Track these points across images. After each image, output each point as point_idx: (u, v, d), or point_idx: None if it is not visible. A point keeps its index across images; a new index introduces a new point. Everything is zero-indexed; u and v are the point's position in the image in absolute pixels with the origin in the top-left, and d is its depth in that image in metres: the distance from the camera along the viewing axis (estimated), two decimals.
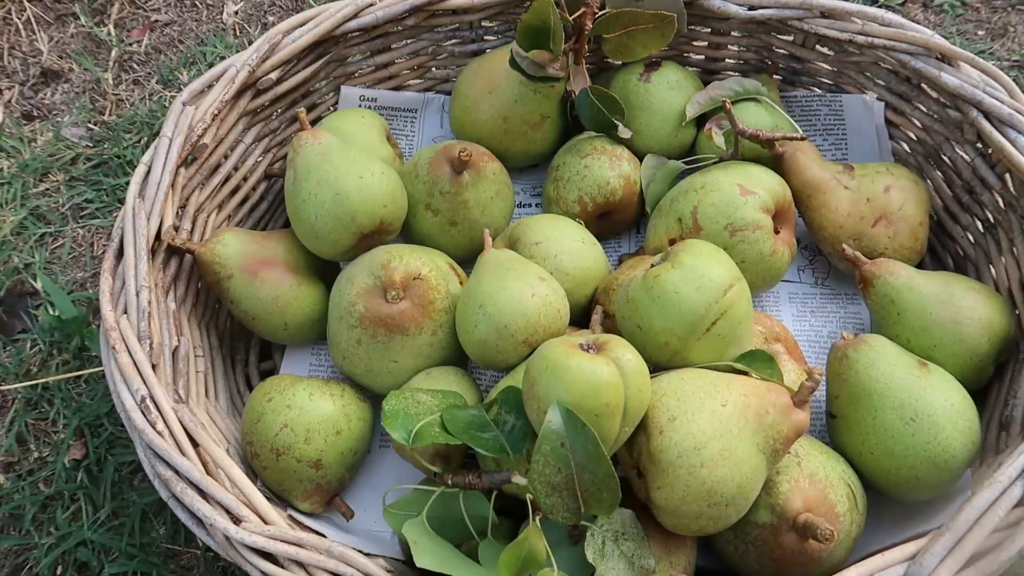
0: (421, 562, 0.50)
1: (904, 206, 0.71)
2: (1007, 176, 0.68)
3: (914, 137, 0.77)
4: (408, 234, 0.75)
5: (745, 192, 0.67)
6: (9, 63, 1.07)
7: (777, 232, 0.69)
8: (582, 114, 0.76)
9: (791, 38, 0.78)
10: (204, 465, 0.55)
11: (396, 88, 0.86)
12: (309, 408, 0.63)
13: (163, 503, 0.75)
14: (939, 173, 0.76)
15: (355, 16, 0.76)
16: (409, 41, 0.82)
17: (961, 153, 0.72)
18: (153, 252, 0.64)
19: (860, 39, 0.72)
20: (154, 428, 0.54)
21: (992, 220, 0.71)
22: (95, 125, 1.01)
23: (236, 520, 0.52)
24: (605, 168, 0.75)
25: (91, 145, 0.99)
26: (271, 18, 1.11)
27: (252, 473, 0.65)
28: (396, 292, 0.64)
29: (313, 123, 0.81)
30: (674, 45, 0.82)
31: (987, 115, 0.66)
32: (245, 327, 0.75)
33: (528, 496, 0.51)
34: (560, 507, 0.51)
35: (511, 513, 0.60)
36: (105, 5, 1.12)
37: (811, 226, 0.74)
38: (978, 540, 0.46)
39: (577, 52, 0.74)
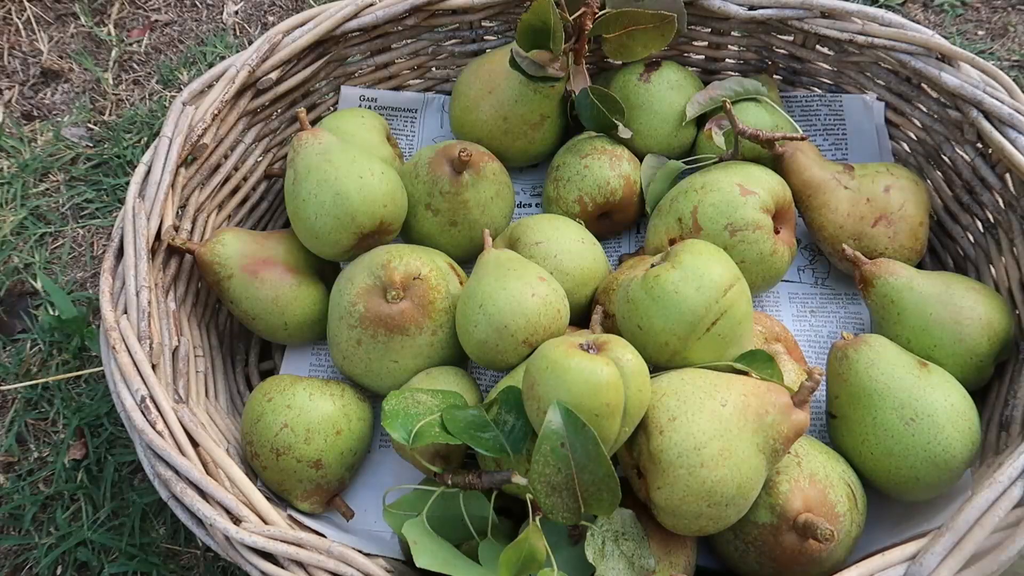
0: (421, 562, 0.50)
1: (904, 206, 0.71)
2: (1007, 176, 0.68)
3: (914, 137, 0.77)
4: (408, 234, 0.75)
5: (745, 192, 0.67)
6: (9, 63, 1.07)
7: (777, 232, 0.69)
8: (582, 114, 0.76)
9: (791, 38, 0.78)
10: (204, 465, 0.55)
11: (396, 88, 0.86)
12: (309, 408, 0.63)
13: (163, 503, 0.75)
14: (939, 173, 0.76)
15: (355, 16, 0.76)
16: (409, 41, 0.82)
17: (961, 153, 0.72)
18: (153, 252, 0.64)
19: (860, 39, 0.72)
20: (154, 428, 0.54)
21: (992, 220, 0.71)
22: (95, 125, 1.01)
23: (236, 520, 0.52)
24: (605, 168, 0.75)
25: (91, 145, 0.99)
26: (271, 18, 1.11)
27: (252, 473, 0.65)
28: (396, 292, 0.64)
29: (313, 123, 0.81)
30: (674, 45, 0.82)
31: (987, 115, 0.66)
32: (245, 327, 0.75)
33: (528, 496, 0.51)
34: (560, 507, 0.51)
35: (511, 513, 0.60)
36: (105, 5, 1.12)
37: (811, 226, 0.74)
38: (978, 540, 0.46)
39: (577, 52, 0.74)
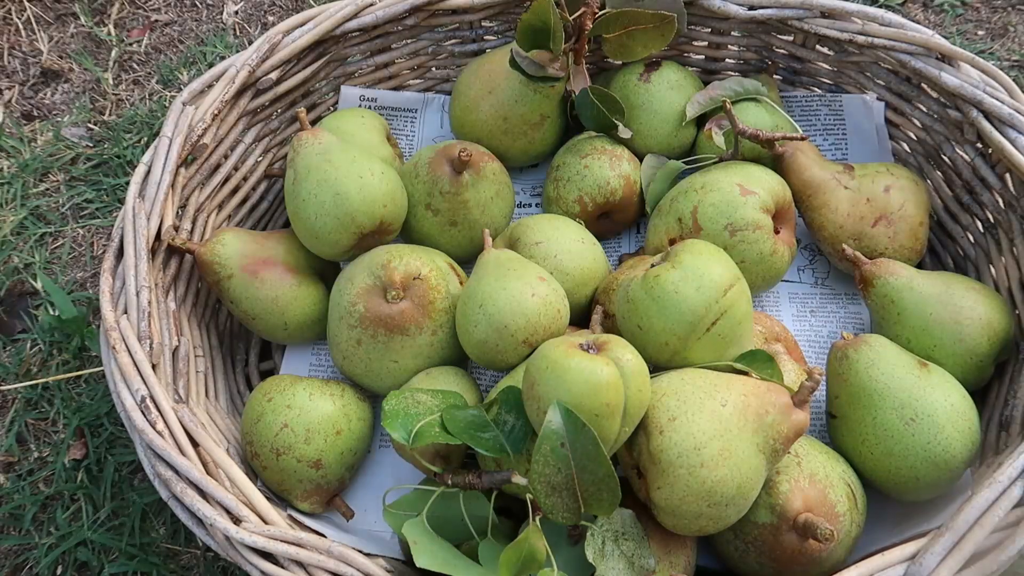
0: (421, 562, 0.50)
1: (904, 206, 0.71)
2: (1007, 176, 0.68)
3: (914, 137, 0.77)
4: (408, 234, 0.75)
5: (745, 192, 0.67)
6: (9, 63, 1.07)
7: (777, 232, 0.69)
8: (582, 114, 0.76)
9: (791, 38, 0.78)
10: (204, 465, 0.55)
11: (396, 88, 0.86)
12: (309, 408, 0.63)
13: (163, 503, 0.75)
14: (939, 173, 0.76)
15: (355, 16, 0.76)
16: (409, 41, 0.82)
17: (961, 153, 0.72)
18: (153, 252, 0.64)
19: (860, 39, 0.72)
20: (154, 428, 0.54)
21: (992, 220, 0.71)
22: (95, 125, 1.01)
23: (236, 520, 0.52)
24: (605, 168, 0.75)
25: (91, 145, 0.99)
26: (271, 18, 1.11)
27: (252, 473, 0.65)
28: (396, 292, 0.64)
29: (313, 123, 0.81)
30: (674, 45, 0.82)
31: (987, 115, 0.66)
32: (245, 327, 0.75)
33: (528, 496, 0.51)
34: (560, 507, 0.51)
35: (511, 513, 0.60)
36: (105, 5, 1.12)
37: (811, 226, 0.74)
38: (978, 540, 0.46)
39: (577, 52, 0.74)
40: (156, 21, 1.11)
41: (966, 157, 0.72)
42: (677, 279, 0.56)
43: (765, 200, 0.68)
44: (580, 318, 0.71)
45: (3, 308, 0.88)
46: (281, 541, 0.51)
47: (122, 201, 0.94)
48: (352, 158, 0.67)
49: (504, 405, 0.57)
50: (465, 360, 0.70)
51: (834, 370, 0.62)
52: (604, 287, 0.69)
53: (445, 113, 0.87)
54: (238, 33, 1.09)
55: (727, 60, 0.83)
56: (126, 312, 0.59)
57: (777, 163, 0.74)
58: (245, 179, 0.77)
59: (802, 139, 0.73)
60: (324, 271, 0.73)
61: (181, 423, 0.55)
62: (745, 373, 0.57)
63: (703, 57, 0.84)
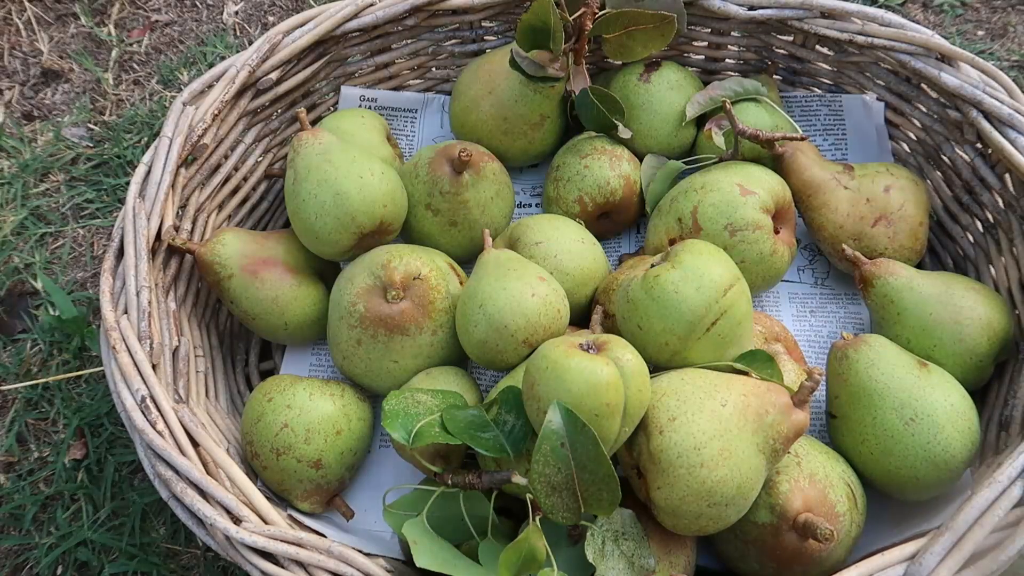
0: (421, 562, 0.50)
1: (904, 206, 0.71)
2: (1007, 176, 0.68)
3: (914, 137, 0.77)
4: (408, 234, 0.75)
5: (745, 192, 0.67)
6: (9, 63, 1.07)
7: (777, 232, 0.69)
8: (582, 114, 0.76)
9: (791, 38, 0.78)
10: (204, 465, 0.55)
11: (396, 88, 0.86)
12: (309, 408, 0.63)
13: (163, 503, 0.75)
14: (939, 173, 0.76)
15: (355, 16, 0.76)
16: (409, 41, 0.83)
17: (961, 153, 0.72)
18: (153, 252, 0.64)
19: (860, 39, 0.72)
20: (154, 428, 0.54)
21: (992, 220, 0.71)
22: (95, 125, 1.01)
23: (236, 520, 0.52)
24: (605, 168, 0.75)
25: (91, 145, 0.99)
26: (271, 18, 1.11)
27: (252, 473, 0.65)
28: (396, 292, 0.64)
29: (313, 123, 0.81)
30: (674, 45, 0.82)
31: (987, 115, 0.66)
32: (245, 327, 0.75)
33: (528, 496, 0.51)
34: (560, 507, 0.51)
35: (511, 513, 0.60)
36: (105, 5, 1.12)
37: (811, 226, 0.74)
38: (978, 540, 0.46)
39: (577, 52, 0.74)
40: (156, 21, 1.11)
41: (966, 157, 0.72)
42: (677, 279, 0.56)
43: (765, 200, 0.68)
44: (580, 318, 0.71)
45: (3, 308, 0.88)
46: (281, 541, 0.51)
47: (122, 201, 0.94)
48: (352, 158, 0.67)
49: (504, 405, 0.57)
50: (465, 360, 0.70)
51: (834, 370, 0.62)
52: (604, 287, 0.69)
53: (445, 113, 0.87)
54: (238, 33, 1.09)
55: (727, 60, 0.83)
56: (126, 312, 0.59)
57: (777, 163, 0.74)
58: (245, 179, 0.77)
59: (802, 139, 0.73)
60: (324, 271, 0.73)
61: (181, 423, 0.55)
62: (745, 373, 0.57)
63: (703, 57, 0.84)
